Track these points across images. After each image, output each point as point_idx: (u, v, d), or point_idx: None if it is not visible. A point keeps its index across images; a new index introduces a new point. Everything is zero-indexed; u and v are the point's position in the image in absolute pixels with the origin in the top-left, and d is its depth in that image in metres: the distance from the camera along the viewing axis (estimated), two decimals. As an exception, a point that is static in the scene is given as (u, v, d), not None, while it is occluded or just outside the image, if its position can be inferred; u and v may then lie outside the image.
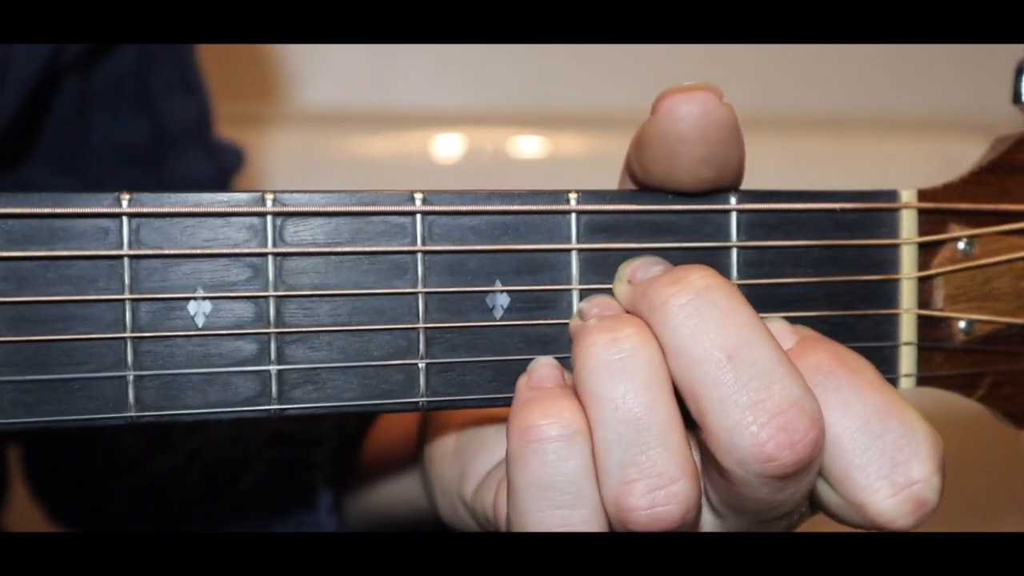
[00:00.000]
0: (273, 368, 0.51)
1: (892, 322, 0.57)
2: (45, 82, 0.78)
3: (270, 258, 0.51)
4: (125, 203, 0.49)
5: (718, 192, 0.54)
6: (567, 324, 0.53)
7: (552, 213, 0.53)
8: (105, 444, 0.93)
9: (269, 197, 0.51)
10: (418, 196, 0.52)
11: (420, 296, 0.52)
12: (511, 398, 0.52)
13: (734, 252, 0.55)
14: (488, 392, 0.53)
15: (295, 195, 0.51)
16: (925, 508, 0.49)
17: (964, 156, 0.62)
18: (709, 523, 0.52)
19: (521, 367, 0.53)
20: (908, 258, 0.57)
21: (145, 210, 0.49)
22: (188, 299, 0.50)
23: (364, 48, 1.43)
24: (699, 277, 0.49)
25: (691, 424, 0.49)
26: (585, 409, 0.49)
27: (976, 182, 0.58)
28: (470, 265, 0.53)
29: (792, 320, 0.54)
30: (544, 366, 0.52)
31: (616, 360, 0.48)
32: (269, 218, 0.51)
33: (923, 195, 0.57)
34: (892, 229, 0.56)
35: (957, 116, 1.40)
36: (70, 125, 0.84)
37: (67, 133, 0.84)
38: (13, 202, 0.48)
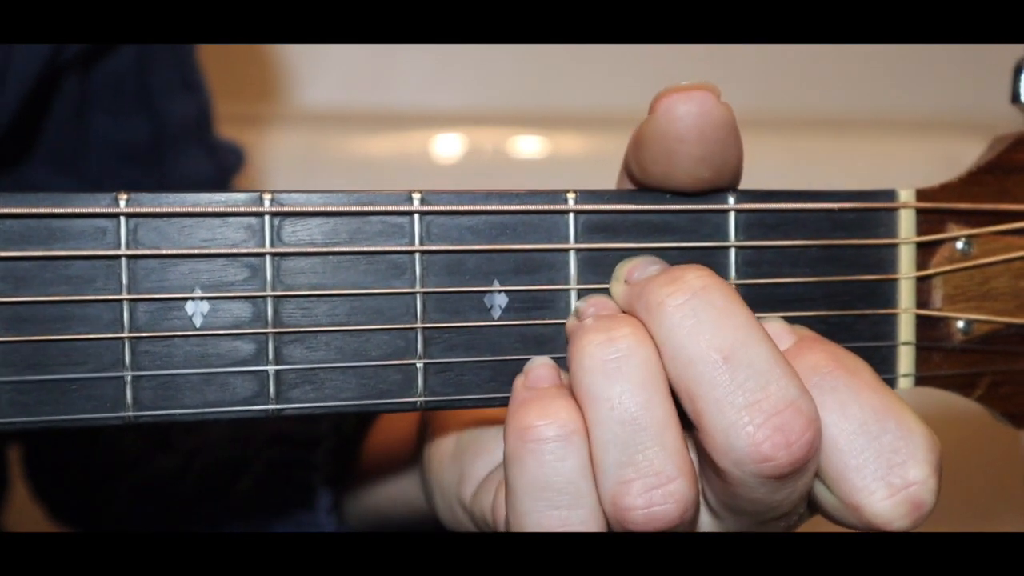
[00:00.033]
0: (271, 368, 0.51)
1: (890, 322, 0.57)
2: (45, 82, 0.78)
3: (268, 258, 0.51)
4: (123, 203, 0.49)
5: (716, 192, 0.54)
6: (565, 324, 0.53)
7: (550, 213, 0.53)
8: (105, 444, 0.93)
9: (267, 197, 0.51)
10: (416, 196, 0.52)
11: (418, 296, 0.52)
12: (509, 398, 0.52)
13: (732, 252, 0.55)
14: (486, 392, 0.53)
15: (293, 195, 0.51)
16: (921, 510, 0.49)
17: (964, 156, 0.62)
18: (707, 524, 0.52)
19: (519, 367, 0.53)
20: (906, 258, 0.57)
21: (143, 210, 0.49)
22: (186, 299, 0.50)
23: (364, 48, 1.43)
24: (696, 277, 0.49)
25: (688, 424, 0.49)
26: (582, 409, 0.49)
27: (974, 182, 0.58)
28: (468, 265, 0.53)
29: (790, 320, 0.54)
30: (540, 366, 0.52)
31: (611, 360, 0.48)
32: (267, 218, 0.51)
33: (921, 195, 0.57)
34: (890, 229, 0.56)
35: (957, 116, 1.40)
36: (70, 125, 0.84)
37: (67, 133, 0.84)
38: (11, 202, 0.48)
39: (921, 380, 0.58)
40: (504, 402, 0.52)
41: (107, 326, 0.49)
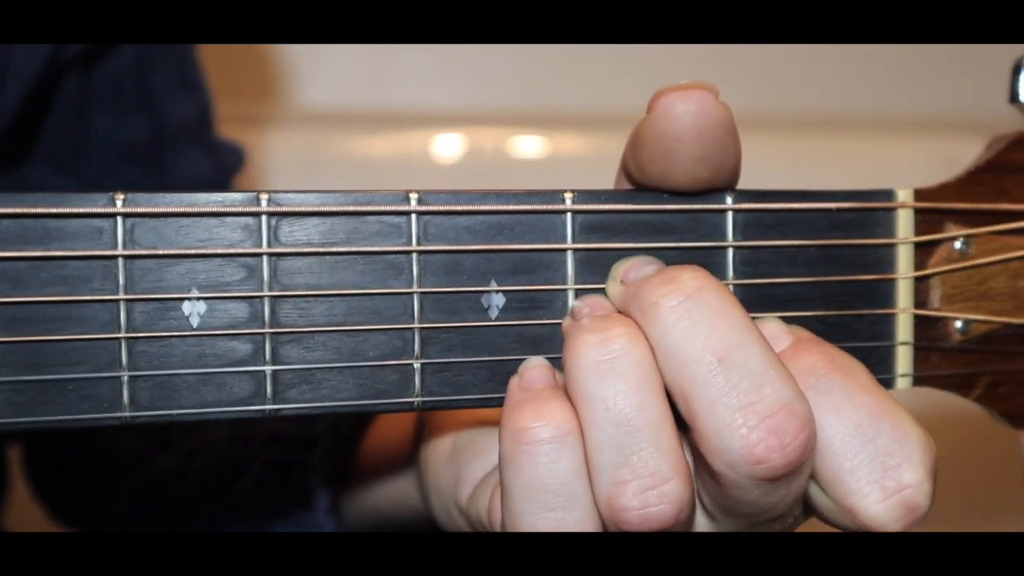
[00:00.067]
0: (268, 368, 0.51)
1: (888, 322, 0.57)
2: (45, 82, 0.78)
3: (265, 258, 0.51)
4: (119, 203, 0.49)
5: (714, 192, 0.54)
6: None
7: (547, 213, 0.53)
8: (105, 444, 0.93)
9: (264, 197, 0.51)
10: (413, 196, 0.52)
11: (415, 296, 0.52)
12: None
13: (730, 252, 0.55)
14: (483, 392, 0.53)
15: (290, 195, 0.51)
16: (915, 513, 0.49)
17: (963, 156, 0.62)
18: (702, 525, 0.52)
19: (516, 367, 0.53)
20: (904, 258, 0.57)
21: (140, 210, 0.49)
22: (183, 299, 0.50)
23: (364, 48, 1.43)
24: (691, 278, 0.49)
25: (684, 425, 0.49)
26: (576, 410, 0.49)
27: (973, 181, 0.58)
28: (465, 265, 0.53)
29: (788, 320, 0.54)
30: (535, 367, 0.52)
31: (606, 360, 0.48)
32: (264, 218, 0.51)
33: (919, 195, 0.57)
34: (888, 229, 0.56)
35: (957, 116, 1.40)
36: (70, 125, 0.84)
37: (67, 133, 0.84)
38: (7, 202, 0.48)
39: (919, 380, 0.58)
40: (501, 403, 0.52)
41: (104, 326, 0.49)
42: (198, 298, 0.50)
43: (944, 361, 0.58)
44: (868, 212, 0.56)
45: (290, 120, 1.39)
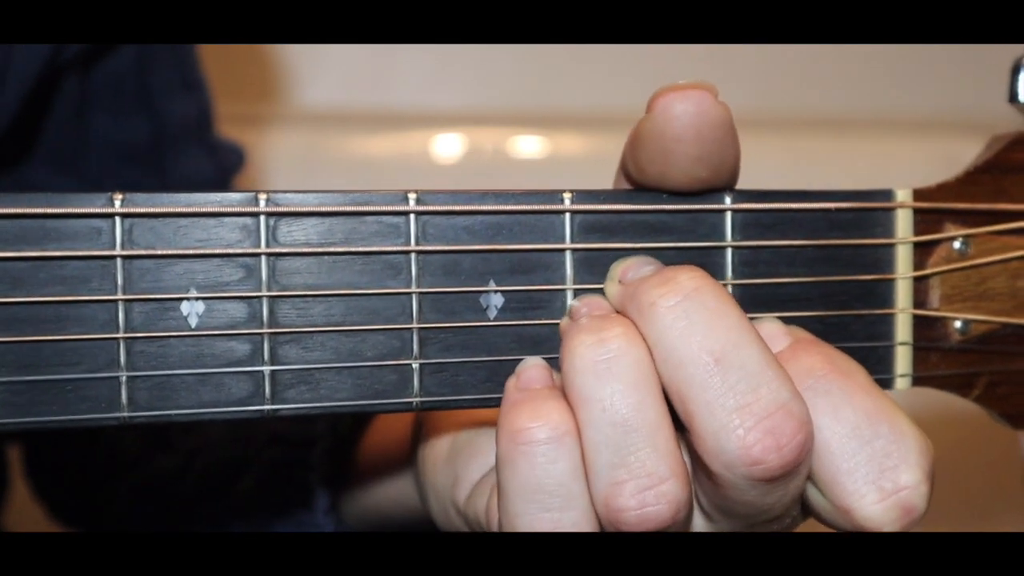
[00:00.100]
0: (266, 369, 0.51)
1: (887, 322, 0.57)
2: (45, 82, 0.78)
3: (263, 258, 0.51)
4: (118, 203, 0.49)
5: (713, 192, 0.54)
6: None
7: (546, 213, 0.53)
8: (106, 444, 0.93)
9: (262, 197, 0.51)
10: (412, 196, 0.52)
11: (414, 296, 0.52)
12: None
13: (729, 252, 0.55)
14: (482, 392, 0.53)
15: (288, 195, 0.51)
16: (912, 515, 0.49)
17: (963, 156, 0.62)
18: (700, 526, 0.52)
19: (515, 367, 0.53)
20: (903, 258, 0.56)
21: (138, 210, 0.49)
22: (181, 299, 0.50)
23: (364, 48, 1.43)
24: (688, 278, 0.49)
25: (681, 426, 0.49)
26: (573, 410, 0.49)
27: (971, 181, 0.58)
28: (464, 265, 0.53)
29: (787, 320, 0.54)
30: (532, 367, 0.52)
31: (602, 361, 0.48)
32: (262, 218, 0.51)
33: (918, 195, 0.57)
34: (887, 229, 0.56)
35: (957, 116, 1.40)
36: (70, 125, 0.84)
37: (67, 133, 0.84)
38: (5, 202, 0.48)
39: (918, 380, 0.58)
40: (500, 403, 0.52)
41: (102, 326, 0.49)
42: (196, 298, 0.50)
43: (943, 361, 0.58)
44: (867, 212, 0.56)
45: (290, 120, 1.39)
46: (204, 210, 0.50)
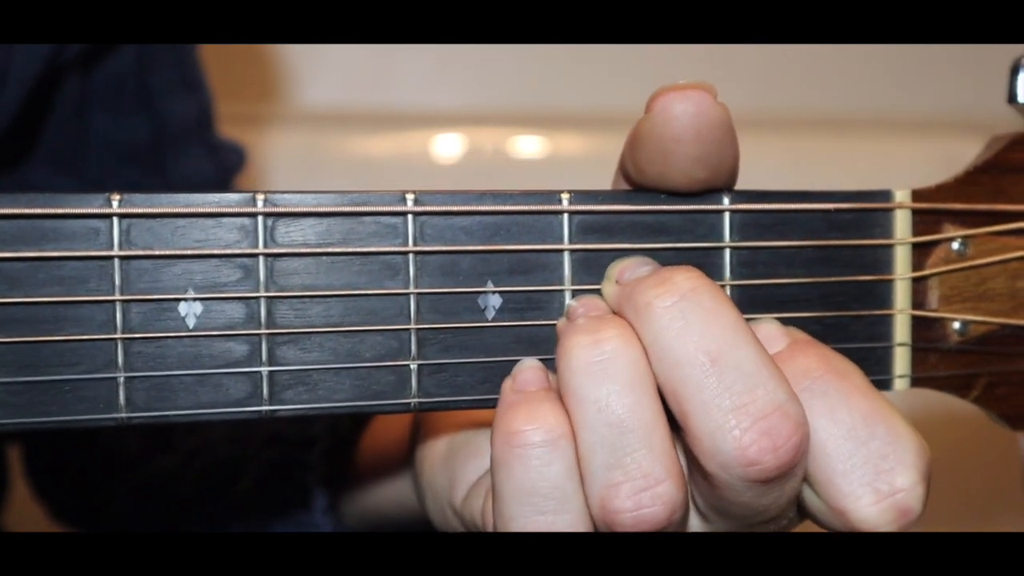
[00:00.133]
0: (264, 369, 0.51)
1: (886, 323, 0.57)
2: (45, 82, 0.78)
3: (261, 259, 0.51)
4: (115, 204, 0.49)
5: (712, 192, 0.54)
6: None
7: (544, 213, 0.53)
8: (106, 444, 0.93)
9: (260, 198, 0.51)
10: (410, 196, 0.52)
11: (412, 297, 0.52)
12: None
13: (727, 253, 0.55)
14: (480, 393, 0.53)
15: (286, 195, 0.51)
16: (908, 517, 0.49)
17: (963, 156, 0.62)
18: (696, 526, 0.52)
19: (513, 368, 0.53)
20: (902, 258, 0.56)
21: (136, 211, 0.49)
22: (179, 300, 0.50)
23: (364, 48, 1.43)
24: (685, 279, 0.49)
25: (677, 426, 0.49)
26: (569, 412, 0.49)
27: (970, 182, 0.58)
28: (462, 266, 0.53)
29: (785, 321, 0.53)
30: (528, 369, 0.52)
31: (597, 362, 0.48)
32: (260, 219, 0.51)
33: (917, 195, 0.57)
34: (886, 229, 0.56)
35: (956, 116, 1.40)
36: (70, 125, 0.84)
37: (67, 133, 0.84)
38: (3, 203, 0.48)
39: (917, 381, 0.58)
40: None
41: (100, 327, 0.49)
42: (194, 299, 0.50)
43: (942, 362, 0.58)
44: (866, 213, 0.56)
45: (290, 120, 1.39)
46: (202, 210, 0.50)
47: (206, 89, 0.92)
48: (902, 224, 0.56)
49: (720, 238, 0.54)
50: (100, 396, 0.50)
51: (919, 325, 0.57)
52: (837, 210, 0.55)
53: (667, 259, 0.53)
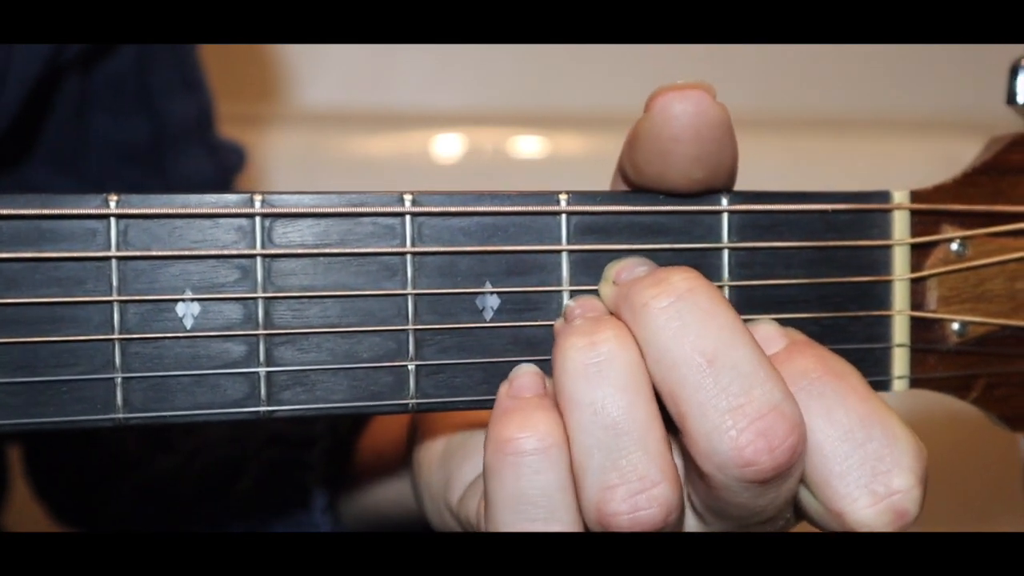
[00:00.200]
0: (262, 370, 0.51)
1: (885, 324, 0.57)
2: (45, 82, 0.78)
3: (259, 259, 0.51)
4: (113, 204, 0.49)
5: (710, 193, 0.54)
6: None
7: (542, 214, 0.53)
8: (106, 444, 0.93)
9: (257, 198, 0.51)
10: (407, 197, 0.52)
11: (410, 298, 0.52)
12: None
13: (725, 253, 0.55)
14: (478, 394, 0.53)
15: (284, 196, 0.51)
16: (904, 519, 0.49)
17: (963, 156, 0.62)
18: (692, 527, 0.52)
19: (511, 369, 0.52)
20: (900, 259, 0.56)
21: (133, 211, 0.49)
22: (176, 301, 0.50)
23: (364, 48, 1.43)
24: (682, 279, 0.49)
25: (673, 428, 0.49)
26: (563, 414, 0.49)
27: (969, 183, 0.58)
28: (460, 266, 0.53)
29: (784, 322, 0.53)
30: (524, 374, 0.52)
31: (593, 364, 0.48)
32: (258, 219, 0.51)
33: (916, 196, 0.57)
34: (884, 230, 0.56)
35: (956, 116, 1.40)
36: (70, 125, 0.84)
37: (67, 133, 0.84)
38: (1, 203, 0.48)
39: (916, 382, 0.58)
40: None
41: (97, 328, 0.49)
42: (192, 299, 0.50)
43: (941, 363, 0.58)
44: (864, 213, 0.56)
45: (290, 120, 1.39)
46: (199, 211, 0.50)
47: (206, 89, 0.92)
48: (901, 225, 0.56)
49: (718, 239, 0.54)
50: (97, 397, 0.50)
51: (918, 326, 0.57)
52: (835, 211, 0.55)
53: (665, 260, 0.53)
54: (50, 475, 1.00)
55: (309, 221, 0.51)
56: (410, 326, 0.52)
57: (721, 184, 0.53)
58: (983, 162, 0.58)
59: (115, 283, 0.49)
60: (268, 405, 0.51)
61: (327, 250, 0.51)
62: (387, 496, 0.75)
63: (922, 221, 0.57)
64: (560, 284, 0.53)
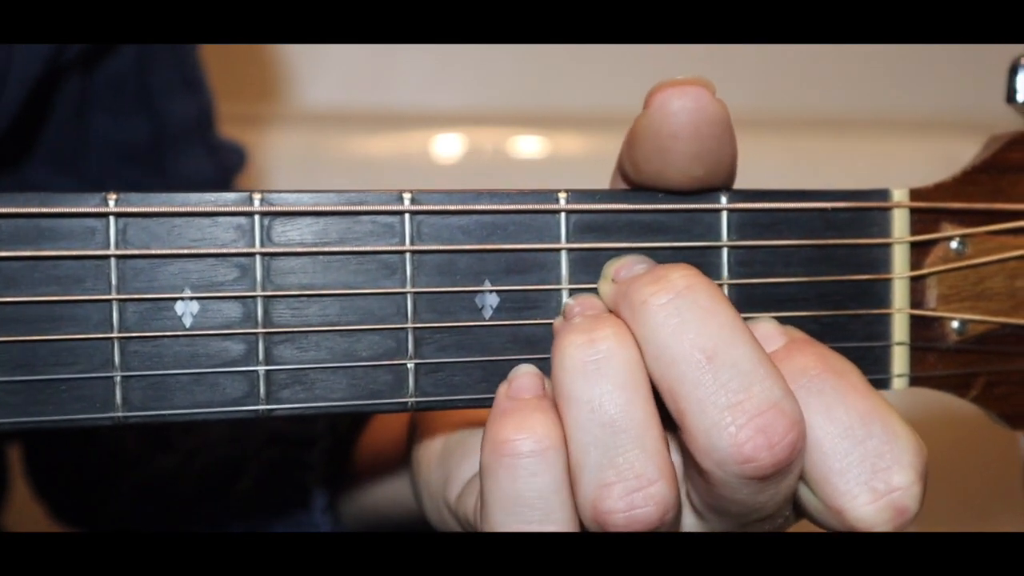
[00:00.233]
0: (261, 369, 0.51)
1: (884, 322, 0.57)
2: (46, 82, 0.78)
3: (258, 258, 0.51)
4: (112, 203, 0.49)
5: (709, 191, 0.54)
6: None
7: (542, 212, 0.53)
8: (106, 444, 0.93)
9: (257, 197, 0.51)
10: (407, 196, 0.52)
11: (409, 296, 0.52)
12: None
13: (725, 252, 0.55)
14: (477, 393, 0.53)
15: (283, 195, 0.51)
16: (905, 516, 0.49)
17: (963, 156, 0.62)
18: (691, 525, 0.52)
19: (511, 367, 0.52)
20: (900, 258, 0.56)
21: (132, 210, 0.49)
22: (175, 299, 0.50)
23: (364, 48, 1.43)
24: (680, 276, 0.48)
25: (672, 425, 0.49)
26: (561, 412, 0.49)
27: (969, 181, 0.58)
28: (459, 265, 0.53)
29: (783, 320, 0.53)
30: (524, 375, 0.52)
31: (592, 361, 0.48)
32: (257, 218, 0.51)
33: (915, 194, 0.57)
34: (884, 228, 0.56)
35: (956, 116, 1.40)
36: (70, 125, 0.84)
37: (68, 133, 0.84)
38: (0, 202, 0.48)
39: (915, 380, 0.58)
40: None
41: (96, 326, 0.49)
42: (191, 298, 0.50)
43: (941, 361, 0.58)
44: (863, 212, 0.56)
45: (290, 120, 1.39)
46: (198, 210, 0.50)
47: (206, 89, 0.92)
48: (900, 223, 0.56)
49: (718, 237, 0.54)
50: (96, 395, 0.50)
51: (917, 324, 0.57)
52: (835, 209, 0.55)
53: (665, 258, 0.53)
54: (49, 474, 1.00)
55: (308, 220, 0.51)
56: (409, 324, 0.52)
57: (721, 182, 0.53)
58: (983, 160, 0.58)
59: (114, 282, 0.49)
60: (267, 403, 0.51)
61: (326, 249, 0.51)
62: (387, 496, 0.75)
63: (922, 219, 0.57)
64: (559, 282, 0.53)
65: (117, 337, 0.50)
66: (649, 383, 0.48)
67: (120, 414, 0.50)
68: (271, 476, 0.82)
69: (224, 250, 0.50)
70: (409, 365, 0.52)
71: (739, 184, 0.55)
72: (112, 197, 0.49)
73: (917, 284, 0.57)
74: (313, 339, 0.51)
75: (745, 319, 0.49)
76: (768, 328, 0.52)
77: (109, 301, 0.49)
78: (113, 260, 0.49)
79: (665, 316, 0.48)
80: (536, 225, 0.53)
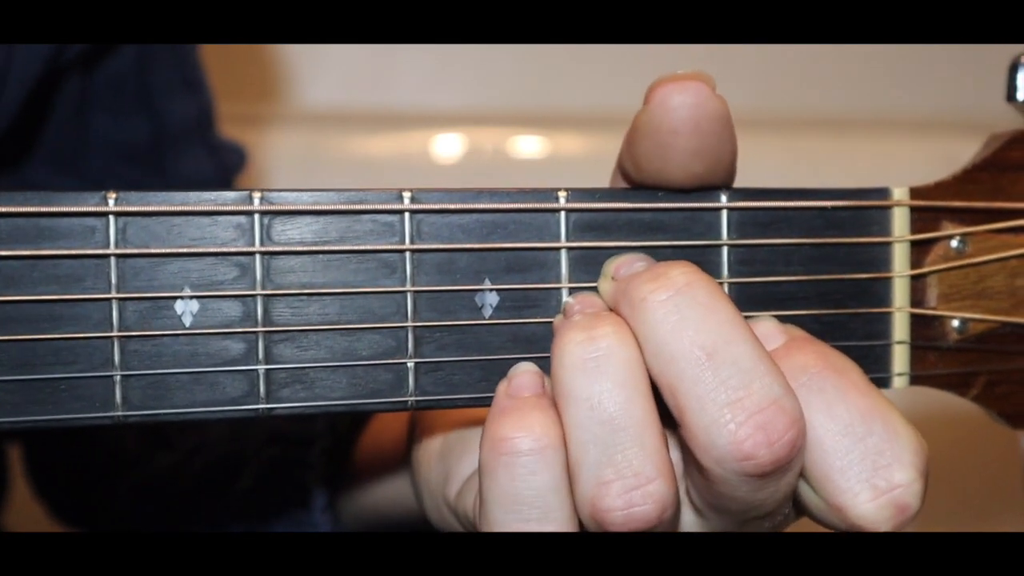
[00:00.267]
0: (261, 368, 0.51)
1: (884, 320, 0.56)
2: (46, 82, 0.78)
3: (257, 257, 0.51)
4: (111, 202, 0.49)
5: (709, 189, 0.54)
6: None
7: (542, 211, 0.53)
8: (106, 443, 0.93)
9: (256, 196, 0.51)
10: (407, 195, 0.52)
11: (409, 295, 0.52)
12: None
13: (725, 250, 0.55)
14: (477, 391, 0.53)
15: (283, 194, 0.51)
16: (906, 513, 0.48)
17: (963, 156, 0.62)
18: (691, 523, 0.52)
19: (510, 366, 0.52)
20: (900, 256, 0.56)
21: (132, 209, 0.49)
22: (175, 298, 0.50)
23: (364, 48, 1.43)
24: (680, 274, 0.48)
25: (672, 423, 0.48)
26: (560, 410, 0.49)
27: (969, 180, 0.58)
28: (459, 264, 0.53)
29: (784, 319, 0.53)
30: (523, 373, 0.52)
31: (591, 359, 0.48)
32: (256, 217, 0.51)
33: (915, 193, 0.57)
34: (884, 227, 0.56)
35: (956, 116, 1.40)
36: (71, 125, 0.84)
37: (68, 133, 0.84)
38: (0, 201, 0.48)
39: (916, 379, 0.58)
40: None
41: (96, 325, 0.49)
42: (191, 297, 0.50)
43: (941, 360, 0.58)
44: (864, 210, 0.56)
45: (290, 120, 1.39)
46: (198, 209, 0.50)
47: (206, 89, 0.92)
48: (900, 222, 0.56)
49: (718, 236, 0.54)
50: (96, 395, 0.49)
51: (918, 323, 0.57)
52: (835, 208, 0.55)
53: (665, 257, 0.53)
54: (49, 474, 1.00)
55: (308, 218, 0.51)
56: (409, 323, 0.52)
57: (720, 179, 0.53)
58: (983, 159, 0.58)
59: (114, 281, 0.49)
60: (267, 402, 0.51)
61: (326, 247, 0.51)
62: (387, 495, 0.75)
63: (922, 218, 0.57)
64: (559, 281, 0.53)
65: (117, 336, 0.49)
66: (649, 381, 0.48)
67: (120, 413, 0.50)
68: (271, 475, 0.82)
69: (224, 249, 0.50)
70: (409, 364, 0.52)
71: (739, 184, 0.55)
72: (112, 196, 0.49)
73: (917, 283, 0.57)
74: (313, 338, 0.51)
75: (745, 318, 0.49)
76: (768, 326, 0.52)
77: (109, 300, 0.49)
78: (113, 259, 0.49)
79: (665, 313, 0.48)
80: (536, 224, 0.53)
